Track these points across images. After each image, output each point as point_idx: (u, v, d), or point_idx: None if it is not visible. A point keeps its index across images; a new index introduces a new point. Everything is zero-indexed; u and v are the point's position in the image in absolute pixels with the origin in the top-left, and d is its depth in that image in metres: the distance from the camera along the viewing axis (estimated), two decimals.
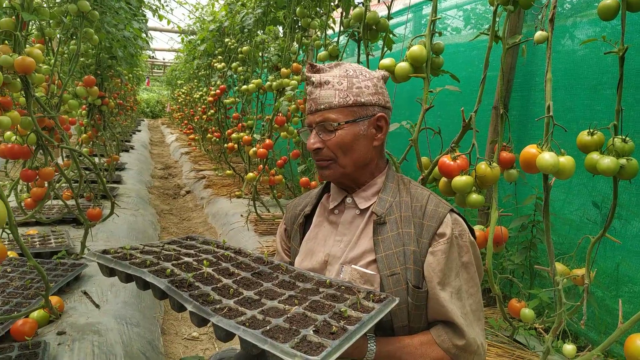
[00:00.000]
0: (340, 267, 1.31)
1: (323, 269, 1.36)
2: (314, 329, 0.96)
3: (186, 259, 1.26)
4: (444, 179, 1.79)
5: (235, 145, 5.60)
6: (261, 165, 4.32)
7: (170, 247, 1.38)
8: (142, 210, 4.79)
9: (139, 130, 13.76)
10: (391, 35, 2.66)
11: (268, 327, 0.95)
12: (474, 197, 1.72)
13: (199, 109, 8.56)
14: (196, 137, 10.02)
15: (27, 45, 2.39)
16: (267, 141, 4.11)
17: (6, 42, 2.34)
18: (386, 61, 1.88)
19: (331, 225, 1.40)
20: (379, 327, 1.24)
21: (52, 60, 3.19)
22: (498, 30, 1.86)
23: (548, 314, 2.12)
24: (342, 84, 1.28)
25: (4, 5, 2.28)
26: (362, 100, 1.29)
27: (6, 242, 2.97)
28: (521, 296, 2.12)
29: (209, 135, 7.57)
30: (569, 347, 1.65)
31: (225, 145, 6.07)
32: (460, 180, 1.68)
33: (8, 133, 2.61)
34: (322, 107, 1.28)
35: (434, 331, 1.23)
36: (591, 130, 1.52)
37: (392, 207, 1.31)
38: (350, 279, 1.28)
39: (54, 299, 2.16)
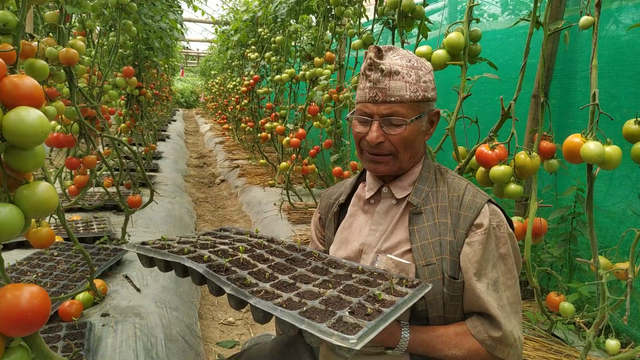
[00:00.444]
0: (376, 256, 1.32)
1: (358, 257, 1.37)
2: (349, 310, 0.97)
3: (222, 246, 1.29)
4: (481, 169, 1.76)
5: (269, 135, 5.65)
6: (294, 155, 4.35)
7: (205, 237, 1.42)
8: (179, 198, 4.91)
9: (174, 120, 14.05)
10: (426, 23, 2.61)
11: (305, 309, 0.97)
12: (513, 187, 1.68)
13: (233, 99, 8.66)
14: (230, 127, 10.15)
15: (70, 38, 2.47)
16: (300, 131, 4.12)
17: (51, 34, 2.43)
18: (422, 49, 1.85)
19: (366, 215, 1.40)
20: (413, 317, 1.25)
21: (93, 52, 3.29)
22: (539, 16, 1.80)
23: (588, 308, 2.06)
24: (410, 75, 1.23)
25: None
26: (428, 95, 1.26)
27: (52, 227, 3.10)
28: (560, 289, 2.07)
29: (242, 125, 7.65)
30: (613, 343, 1.60)
31: (259, 134, 6.13)
32: (499, 170, 1.64)
33: (53, 122, 2.72)
34: (393, 99, 1.22)
35: (470, 322, 1.23)
36: (638, 119, 1.46)
37: (429, 197, 1.30)
38: (385, 267, 1.29)
39: (97, 282, 2.25)
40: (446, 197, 1.30)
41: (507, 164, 1.68)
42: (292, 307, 0.98)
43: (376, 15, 3.03)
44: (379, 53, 1.25)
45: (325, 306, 0.99)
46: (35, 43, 1.81)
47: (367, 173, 1.44)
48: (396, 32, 2.85)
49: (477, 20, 2.05)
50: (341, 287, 1.10)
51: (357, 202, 1.45)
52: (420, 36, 2.61)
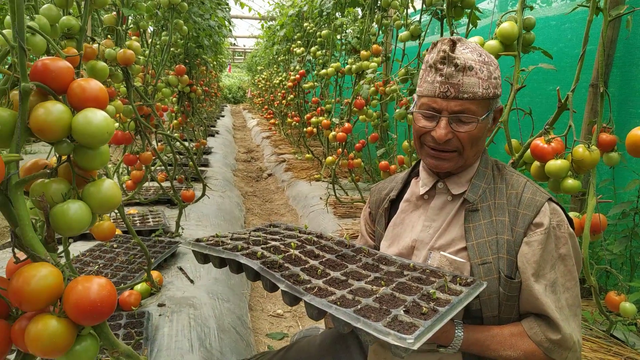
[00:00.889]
0: (429, 253, 1.30)
1: (410, 254, 1.35)
2: (404, 309, 0.97)
3: (273, 243, 1.32)
4: (536, 163, 1.70)
5: (314, 130, 5.68)
6: (340, 149, 4.35)
7: (256, 233, 1.45)
8: (229, 192, 5.03)
9: (223, 116, 14.36)
10: (476, 12, 2.54)
11: (359, 307, 0.97)
12: (570, 182, 1.62)
13: (279, 94, 8.75)
14: (276, 122, 10.27)
15: (126, 39, 2.58)
16: (346, 125, 4.12)
17: (109, 36, 2.54)
18: (474, 40, 1.80)
19: (420, 211, 1.38)
20: (467, 316, 1.23)
21: (147, 52, 3.41)
22: (599, 1, 1.71)
23: None
24: (482, 71, 1.19)
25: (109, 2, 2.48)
26: (498, 92, 1.23)
27: (112, 220, 3.26)
28: (619, 289, 1.97)
29: (288, 119, 7.73)
30: None
31: (305, 129, 6.17)
32: (555, 164, 1.58)
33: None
34: (466, 96, 1.18)
35: (526, 323, 1.20)
36: None
37: (486, 193, 1.28)
38: (438, 265, 1.27)
39: (154, 274, 2.35)
40: (504, 194, 1.26)
41: (564, 158, 1.61)
42: (345, 304, 0.99)
43: (424, 6, 2.98)
44: (454, 46, 1.19)
45: (379, 304, 0.99)
46: (95, 45, 1.91)
47: (421, 167, 1.42)
48: (444, 22, 2.79)
49: (531, 8, 1.98)
50: (394, 285, 1.10)
51: (409, 197, 1.43)
52: (470, 26, 2.55)
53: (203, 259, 1.28)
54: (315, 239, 1.41)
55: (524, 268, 1.18)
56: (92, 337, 0.85)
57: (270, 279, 1.09)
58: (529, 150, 1.81)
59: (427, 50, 1.28)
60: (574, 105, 1.70)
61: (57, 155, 0.90)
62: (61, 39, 1.67)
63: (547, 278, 1.18)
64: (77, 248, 2.75)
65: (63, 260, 1.87)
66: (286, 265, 1.16)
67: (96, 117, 0.83)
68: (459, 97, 1.18)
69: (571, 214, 1.83)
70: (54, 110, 0.81)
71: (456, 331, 1.18)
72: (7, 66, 0.91)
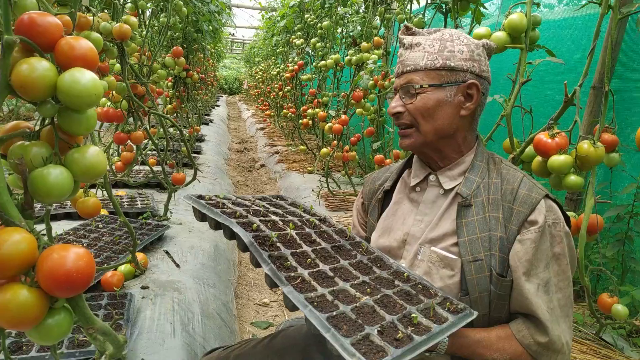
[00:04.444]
0: (419, 248, 1.26)
1: (401, 248, 1.31)
2: (379, 328, 0.92)
3: (273, 217, 1.26)
4: (538, 158, 1.66)
5: (310, 122, 5.63)
6: (335, 141, 4.30)
7: (260, 203, 1.40)
8: (220, 180, 4.97)
9: (218, 106, 14.26)
10: (481, 9, 2.50)
11: (334, 313, 0.93)
12: (573, 178, 1.58)
13: (275, 85, 8.68)
14: (271, 114, 10.21)
15: (123, 15, 2.51)
16: (343, 117, 4.07)
17: (105, 10, 2.47)
18: (481, 30, 1.76)
19: (412, 204, 1.35)
20: None
21: (144, 32, 3.34)
22: None
23: None
24: (433, 46, 1.20)
25: None
26: (452, 64, 1.19)
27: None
28: (611, 292, 1.95)
29: (284, 111, 7.67)
30: None
31: (300, 121, 6.12)
32: (558, 159, 1.55)
33: (103, 99, 2.78)
34: (408, 69, 1.22)
35: (514, 325, 1.16)
36: None
37: (480, 188, 1.23)
38: (428, 261, 1.23)
39: (139, 256, 2.29)
40: (499, 189, 1.22)
41: (568, 154, 1.58)
42: (323, 305, 0.95)
43: (429, 0, 2.94)
44: (407, 31, 1.28)
45: (356, 316, 0.95)
46: (90, 16, 1.84)
47: (414, 159, 1.39)
48: (449, 18, 2.75)
49: (538, 5, 1.95)
50: (378, 297, 1.04)
51: (402, 189, 1.40)
52: (474, 23, 2.51)
53: (201, 217, 1.22)
54: (318, 222, 1.35)
55: (515, 266, 1.14)
56: (66, 311, 0.80)
57: (257, 257, 1.04)
58: (527, 148, 1.77)
59: None
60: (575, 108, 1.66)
61: (41, 119, 0.85)
62: (53, 5, 1.60)
63: (539, 277, 1.14)
64: (61, 227, 2.68)
65: (45, 239, 1.80)
66: (278, 244, 1.11)
67: (84, 77, 0.77)
68: (404, 72, 1.24)
69: (568, 214, 1.80)
70: (38, 66, 0.75)
71: None
72: None
